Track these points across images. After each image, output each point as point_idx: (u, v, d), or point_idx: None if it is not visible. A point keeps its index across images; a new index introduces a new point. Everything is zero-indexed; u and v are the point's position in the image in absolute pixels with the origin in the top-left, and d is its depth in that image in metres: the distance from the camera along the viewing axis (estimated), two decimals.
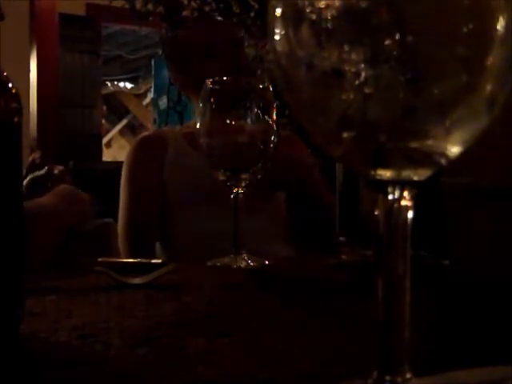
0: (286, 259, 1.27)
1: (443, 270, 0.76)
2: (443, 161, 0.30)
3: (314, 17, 0.28)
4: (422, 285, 0.43)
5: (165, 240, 1.53)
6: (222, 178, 0.97)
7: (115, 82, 6.88)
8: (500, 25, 0.27)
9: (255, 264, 0.93)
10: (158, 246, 1.54)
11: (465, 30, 0.27)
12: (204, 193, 1.45)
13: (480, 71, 0.28)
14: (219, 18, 1.93)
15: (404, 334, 0.32)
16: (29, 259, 0.50)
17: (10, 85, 0.49)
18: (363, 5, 0.27)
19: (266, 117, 0.98)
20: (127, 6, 2.70)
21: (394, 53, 0.27)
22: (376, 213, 0.32)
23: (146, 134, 1.75)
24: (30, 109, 3.97)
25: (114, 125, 6.92)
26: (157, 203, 1.50)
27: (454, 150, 0.30)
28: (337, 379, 0.39)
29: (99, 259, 0.82)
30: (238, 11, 2.49)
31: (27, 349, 0.47)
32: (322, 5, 0.28)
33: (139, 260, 0.89)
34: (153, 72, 4.44)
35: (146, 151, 1.57)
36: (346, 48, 0.28)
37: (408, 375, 0.31)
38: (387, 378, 0.31)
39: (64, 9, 4.11)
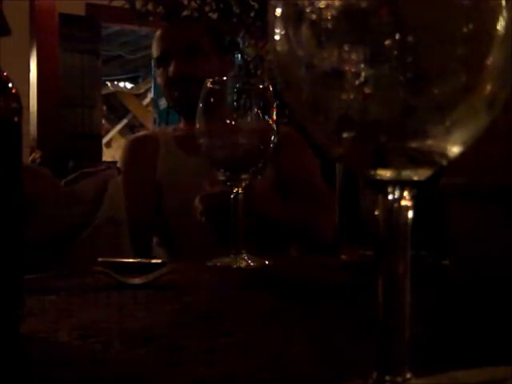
0: (286, 259, 1.27)
1: (443, 270, 0.76)
2: (443, 161, 0.30)
3: (313, 17, 0.28)
4: (422, 285, 0.43)
5: (165, 240, 1.53)
6: (221, 178, 0.97)
7: (115, 82, 6.87)
8: (500, 25, 0.27)
9: (255, 264, 0.93)
10: (157, 245, 1.55)
11: (465, 30, 0.27)
12: (195, 195, 1.45)
13: (480, 71, 0.28)
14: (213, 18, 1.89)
15: (404, 334, 0.32)
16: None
17: (10, 85, 0.49)
18: (363, 5, 0.27)
19: (266, 117, 0.98)
20: (127, 6, 2.70)
21: (394, 53, 0.27)
22: (376, 213, 0.32)
23: (137, 134, 1.76)
24: (30, 109, 3.97)
25: (113, 125, 6.91)
26: (152, 200, 1.51)
27: (454, 149, 0.30)
28: (337, 379, 0.39)
29: (99, 259, 0.82)
30: (237, 11, 2.49)
31: (27, 349, 0.47)
32: (322, 5, 0.28)
33: (139, 260, 0.89)
34: (153, 72, 4.43)
35: (138, 151, 1.57)
36: (346, 48, 0.28)
37: (408, 375, 0.31)
38: (387, 378, 0.31)
39: (64, 9, 4.10)
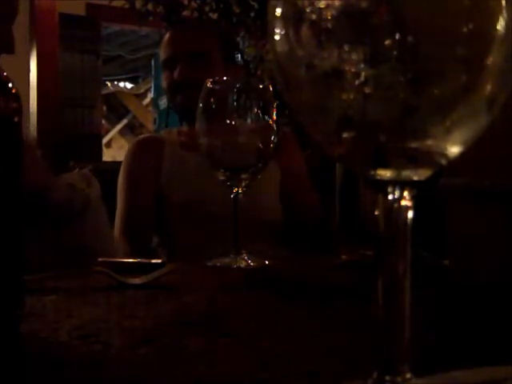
0: (285, 259, 1.27)
1: (443, 270, 0.76)
2: (443, 161, 0.30)
3: (313, 17, 0.28)
4: (422, 285, 0.43)
5: (165, 240, 1.54)
6: (221, 177, 0.97)
7: (115, 82, 6.87)
8: (500, 25, 0.27)
9: (255, 264, 0.92)
10: (157, 245, 1.55)
11: (465, 30, 0.27)
12: (202, 194, 1.46)
13: (480, 71, 0.28)
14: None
15: (404, 334, 0.32)
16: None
17: (10, 85, 0.49)
18: (363, 5, 0.27)
19: (266, 117, 0.98)
20: (127, 6, 2.70)
21: (394, 53, 0.27)
22: (376, 213, 0.32)
23: (143, 135, 1.78)
24: (30, 109, 3.96)
25: (113, 125, 6.91)
26: (154, 201, 1.51)
27: (454, 149, 0.30)
28: (337, 379, 0.39)
29: (99, 259, 0.82)
30: (237, 11, 2.49)
31: (27, 349, 0.47)
32: (321, 5, 0.28)
33: (139, 260, 0.89)
34: (153, 72, 4.43)
35: (144, 151, 1.58)
36: (346, 48, 0.28)
37: (408, 375, 0.31)
38: (387, 378, 0.31)
39: (64, 9, 4.10)
